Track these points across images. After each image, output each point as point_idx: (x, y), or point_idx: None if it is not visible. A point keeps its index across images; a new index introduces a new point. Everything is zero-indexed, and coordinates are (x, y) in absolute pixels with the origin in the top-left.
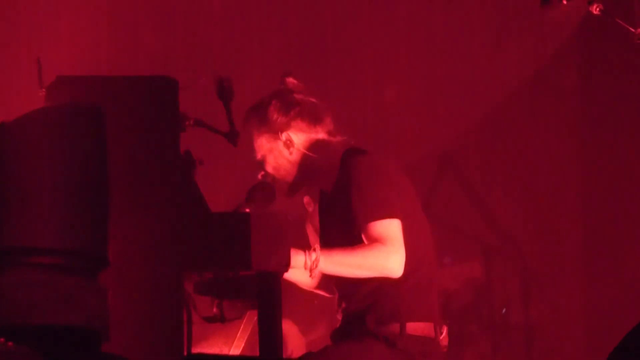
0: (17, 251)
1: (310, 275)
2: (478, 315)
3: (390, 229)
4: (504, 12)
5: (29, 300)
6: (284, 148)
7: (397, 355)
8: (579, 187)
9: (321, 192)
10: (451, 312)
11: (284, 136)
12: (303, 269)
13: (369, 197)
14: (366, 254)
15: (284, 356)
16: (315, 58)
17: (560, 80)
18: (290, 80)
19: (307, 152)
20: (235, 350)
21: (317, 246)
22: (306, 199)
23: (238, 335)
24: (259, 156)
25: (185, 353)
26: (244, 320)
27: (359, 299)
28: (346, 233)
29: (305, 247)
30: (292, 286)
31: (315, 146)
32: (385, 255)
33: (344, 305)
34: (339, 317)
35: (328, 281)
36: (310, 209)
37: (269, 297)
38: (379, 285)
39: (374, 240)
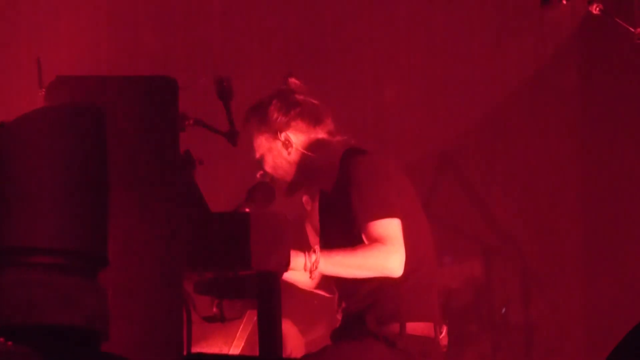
0: (17, 251)
1: (311, 277)
2: (478, 315)
3: (390, 228)
4: (503, 12)
5: (29, 300)
6: (283, 148)
7: (396, 355)
8: (578, 187)
9: (321, 191)
10: (451, 312)
11: (282, 136)
12: (303, 271)
13: (369, 196)
14: (366, 254)
15: (284, 356)
16: (315, 58)
17: (560, 80)
18: (293, 80)
19: (306, 152)
20: (235, 350)
21: (317, 247)
22: (305, 199)
23: (238, 335)
24: (258, 155)
25: (185, 353)
26: (244, 320)
27: (358, 299)
28: (346, 233)
29: (305, 247)
30: (292, 286)
31: (314, 146)
32: (385, 255)
33: (343, 305)
34: (339, 317)
35: (328, 281)
36: (308, 208)
37: (269, 296)
38: (379, 285)
39: (374, 240)
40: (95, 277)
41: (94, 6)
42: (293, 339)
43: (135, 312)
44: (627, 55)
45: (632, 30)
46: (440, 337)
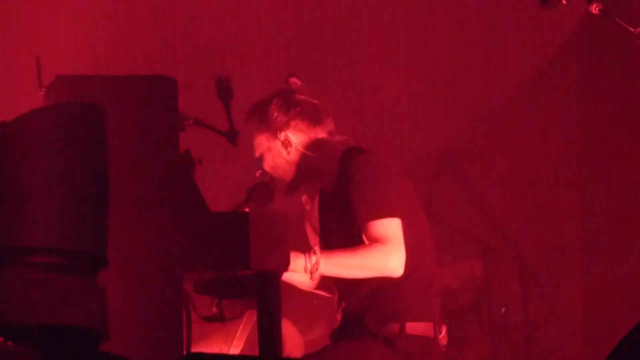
0: (17, 251)
1: (311, 278)
2: (477, 315)
3: (390, 228)
4: (503, 12)
5: (29, 299)
6: (282, 147)
7: (396, 355)
8: (578, 186)
9: (321, 191)
10: (451, 312)
11: (282, 135)
12: (303, 272)
13: (369, 196)
14: (366, 254)
15: (283, 356)
16: (315, 58)
17: (560, 80)
18: (294, 80)
19: (305, 152)
20: (235, 350)
21: (317, 248)
22: (304, 198)
23: (237, 334)
24: (257, 154)
25: (184, 352)
26: (244, 320)
27: (358, 299)
28: (346, 232)
29: (305, 248)
30: (291, 286)
31: (314, 146)
32: (385, 255)
33: (343, 305)
34: (339, 316)
35: (328, 281)
36: (308, 208)
37: (269, 296)
38: (379, 285)
39: (374, 240)
40: (95, 277)
41: (93, 6)
42: (292, 339)
43: (135, 312)
44: (626, 55)
45: (632, 30)
46: (440, 337)
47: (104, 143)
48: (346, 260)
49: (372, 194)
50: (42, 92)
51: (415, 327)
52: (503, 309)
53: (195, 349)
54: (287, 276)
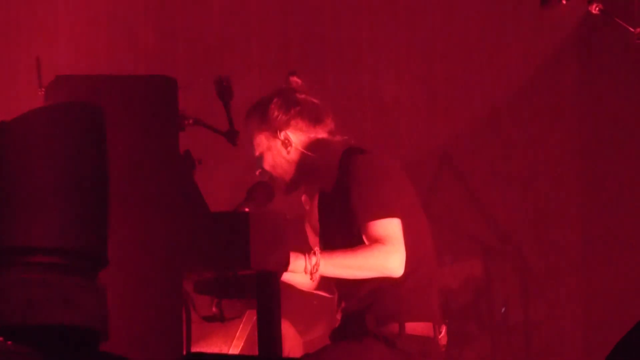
0: (17, 251)
1: (311, 279)
2: (477, 315)
3: (390, 228)
4: (503, 11)
5: (29, 299)
6: (282, 147)
7: (396, 355)
8: (578, 187)
9: (320, 191)
10: (450, 312)
11: (282, 135)
12: (303, 273)
13: (369, 196)
14: (366, 255)
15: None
16: (315, 58)
17: (559, 80)
18: (295, 79)
19: (305, 152)
20: (235, 350)
21: (317, 249)
22: (304, 198)
23: (237, 334)
24: (257, 153)
25: (184, 352)
26: (243, 320)
27: (358, 299)
28: (346, 232)
29: (305, 249)
30: (291, 287)
31: (314, 145)
32: (385, 255)
33: (343, 305)
34: (339, 316)
35: (328, 282)
36: (307, 208)
37: (268, 296)
38: (379, 285)
39: (374, 240)
40: (95, 277)
41: (93, 6)
42: (291, 339)
43: (135, 312)
44: (626, 54)
45: (632, 30)
46: (440, 336)
47: (104, 143)
48: (346, 261)
49: (372, 194)
50: (42, 92)
51: (415, 327)
52: (503, 309)
53: (195, 348)
54: (287, 277)
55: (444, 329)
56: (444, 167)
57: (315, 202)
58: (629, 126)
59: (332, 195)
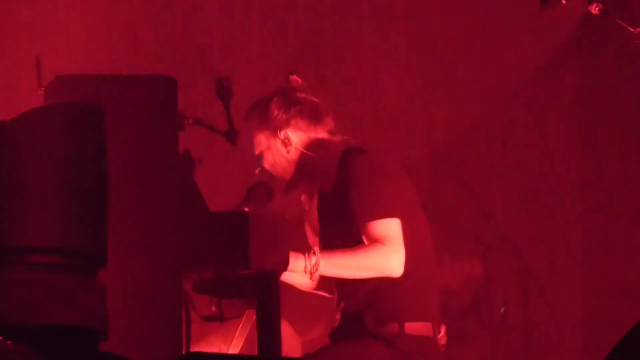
0: (16, 250)
1: (311, 279)
2: (477, 315)
3: (390, 228)
4: (503, 11)
5: (28, 299)
6: (282, 146)
7: (395, 354)
8: (578, 186)
9: (320, 191)
10: (450, 311)
11: (282, 134)
12: (303, 273)
13: (369, 196)
14: (366, 255)
15: None
16: (314, 57)
17: (559, 80)
18: (295, 78)
19: (305, 151)
20: (234, 349)
21: (317, 249)
22: (303, 198)
23: (237, 334)
24: (257, 152)
25: (184, 352)
26: (243, 319)
27: (358, 299)
28: (345, 232)
29: (305, 248)
30: (291, 287)
31: (314, 145)
32: (385, 255)
33: (342, 304)
34: (338, 316)
35: (328, 282)
36: (307, 208)
37: (268, 296)
38: (378, 285)
39: (374, 240)
40: (95, 276)
41: (92, 5)
42: (289, 339)
43: (135, 311)
44: (626, 55)
45: (632, 30)
46: (439, 336)
47: (104, 143)
48: (346, 261)
49: (372, 194)
50: (42, 92)
51: (414, 327)
52: (502, 309)
53: (194, 348)
54: (287, 277)
55: (443, 329)
56: (444, 167)
57: (315, 202)
58: (629, 126)
59: (332, 195)
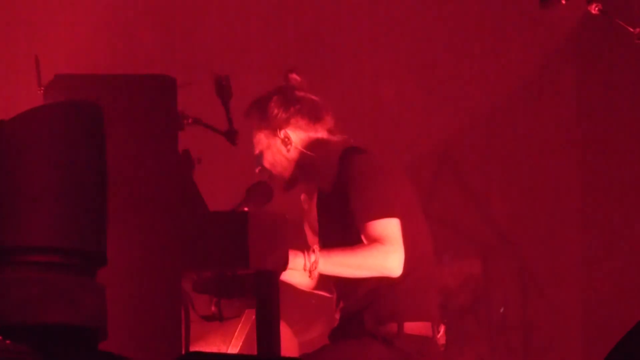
0: (15, 250)
1: (310, 277)
2: (476, 314)
3: (389, 228)
4: (502, 11)
5: (27, 298)
6: (282, 145)
7: (394, 354)
8: (577, 186)
9: (319, 190)
10: (449, 311)
11: (282, 134)
12: (302, 271)
13: (368, 196)
14: (365, 254)
15: None
16: (314, 56)
17: (559, 80)
18: (294, 76)
19: (305, 151)
20: (233, 349)
21: (316, 247)
22: (303, 197)
23: (236, 333)
24: (257, 151)
25: (183, 351)
26: (242, 319)
27: (357, 299)
28: (345, 232)
29: (304, 247)
30: (290, 286)
31: (313, 145)
32: (384, 255)
33: (342, 304)
34: (337, 316)
35: (327, 281)
36: (306, 207)
37: (267, 295)
38: (377, 284)
39: (373, 240)
40: (94, 276)
41: (92, 4)
42: (286, 340)
43: (134, 311)
44: (626, 54)
45: (631, 30)
46: (438, 336)
47: (103, 142)
48: (345, 260)
49: (371, 194)
50: (41, 91)
51: (413, 327)
52: (502, 309)
53: (194, 348)
54: (286, 277)
55: (442, 329)
56: (444, 166)
57: (314, 201)
58: (629, 126)
59: (331, 194)
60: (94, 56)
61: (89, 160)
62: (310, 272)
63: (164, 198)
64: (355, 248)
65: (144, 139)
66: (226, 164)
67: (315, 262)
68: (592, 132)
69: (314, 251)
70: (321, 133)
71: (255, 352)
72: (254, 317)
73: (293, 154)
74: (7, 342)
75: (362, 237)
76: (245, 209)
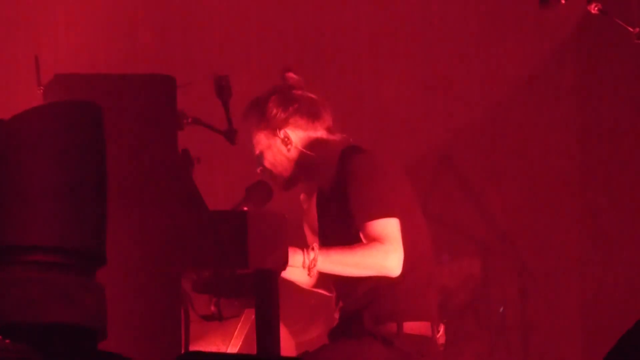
0: (15, 249)
1: (309, 274)
2: (475, 314)
3: (389, 228)
4: (502, 11)
5: (27, 298)
6: (282, 145)
7: (394, 354)
8: (576, 186)
9: (319, 190)
10: (449, 311)
11: (281, 133)
12: (301, 268)
13: (367, 195)
14: (364, 253)
15: None
16: (313, 56)
17: (558, 80)
18: (291, 75)
19: (305, 151)
20: (233, 349)
21: (316, 245)
22: (302, 197)
23: (236, 333)
24: (257, 152)
25: (183, 351)
26: (242, 319)
27: (356, 298)
28: (344, 231)
29: (304, 245)
30: (289, 286)
31: (313, 144)
32: (383, 254)
33: (341, 304)
34: (337, 315)
35: (327, 279)
36: (305, 207)
37: (267, 295)
38: (377, 284)
39: (373, 240)
40: (93, 276)
41: (91, 4)
42: (283, 340)
43: (134, 311)
44: (625, 54)
45: (631, 29)
46: (438, 336)
47: (103, 142)
48: (344, 258)
49: (371, 194)
50: (41, 91)
51: (412, 327)
52: (501, 309)
53: (193, 347)
54: (286, 273)
55: (442, 329)
56: (443, 166)
57: (314, 200)
58: (629, 125)
59: (331, 193)
60: (94, 56)
61: (88, 160)
62: (309, 269)
63: (164, 197)
64: (354, 247)
65: (144, 138)
66: (226, 163)
67: (314, 260)
68: (591, 132)
69: (313, 249)
70: (320, 132)
71: (254, 352)
72: (253, 316)
73: (293, 153)
74: (7, 341)
75: (362, 237)
76: (245, 208)
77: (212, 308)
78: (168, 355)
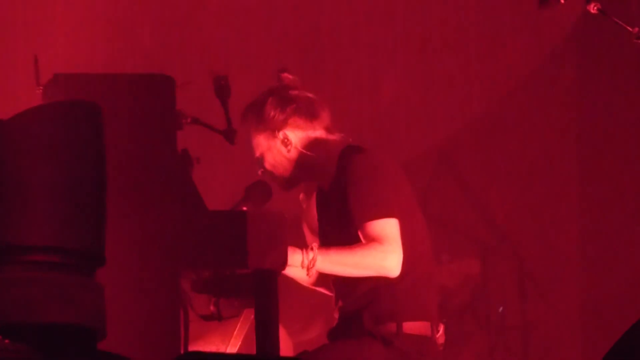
0: (14, 249)
1: (308, 274)
2: (475, 314)
3: (388, 228)
4: (501, 11)
5: (26, 298)
6: (282, 146)
7: (393, 354)
8: (576, 186)
9: (318, 189)
10: (448, 311)
11: (281, 134)
12: (300, 268)
13: (367, 196)
14: (364, 253)
15: None
16: (312, 56)
17: (557, 79)
18: (286, 75)
19: (304, 151)
20: (232, 349)
21: (315, 245)
22: (301, 197)
23: (235, 333)
24: (257, 154)
25: (182, 351)
26: (241, 318)
27: (356, 298)
28: (344, 231)
29: (303, 245)
30: (289, 285)
31: (312, 144)
32: (382, 254)
33: (340, 304)
34: (336, 315)
35: (327, 278)
36: (304, 206)
37: (266, 295)
38: (376, 284)
39: (372, 240)
40: (93, 275)
41: (91, 4)
42: (281, 340)
43: (133, 311)
44: (624, 54)
45: (630, 29)
46: (437, 336)
47: (102, 141)
48: (343, 258)
49: (370, 194)
50: (40, 91)
51: (412, 327)
52: (501, 309)
53: (192, 347)
54: (285, 270)
55: (441, 328)
56: (442, 166)
57: (313, 200)
58: (628, 125)
59: (330, 193)
60: (94, 56)
61: (88, 160)
62: (308, 269)
63: (163, 197)
64: (353, 247)
65: (143, 138)
66: (225, 163)
67: (314, 259)
68: (591, 132)
69: (312, 249)
70: (319, 131)
71: (254, 352)
72: (252, 316)
73: (293, 154)
74: (7, 341)
75: (361, 237)
76: (244, 208)
77: (212, 308)
78: (167, 355)
